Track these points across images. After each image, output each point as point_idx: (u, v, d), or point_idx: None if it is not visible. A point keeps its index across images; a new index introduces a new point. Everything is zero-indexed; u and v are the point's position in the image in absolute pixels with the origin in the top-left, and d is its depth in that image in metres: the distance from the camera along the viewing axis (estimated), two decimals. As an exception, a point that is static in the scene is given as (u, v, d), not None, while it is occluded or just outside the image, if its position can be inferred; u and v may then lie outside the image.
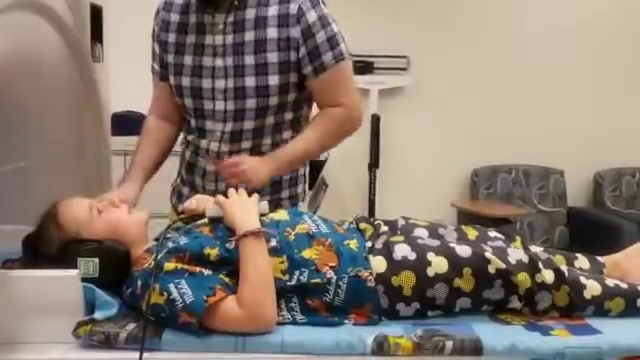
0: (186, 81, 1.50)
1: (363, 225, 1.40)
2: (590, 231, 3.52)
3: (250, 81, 1.46)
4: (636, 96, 3.81)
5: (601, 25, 3.74)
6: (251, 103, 1.48)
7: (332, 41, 1.49)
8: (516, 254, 1.28)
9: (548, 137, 3.77)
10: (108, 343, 1.15)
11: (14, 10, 1.12)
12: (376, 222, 1.42)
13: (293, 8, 1.45)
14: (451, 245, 1.29)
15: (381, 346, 1.15)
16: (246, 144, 1.52)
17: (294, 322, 1.22)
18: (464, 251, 1.26)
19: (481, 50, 3.71)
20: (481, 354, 1.15)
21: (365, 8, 3.58)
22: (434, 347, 1.15)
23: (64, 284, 1.17)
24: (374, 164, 3.59)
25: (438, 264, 1.24)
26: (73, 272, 1.18)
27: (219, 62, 1.47)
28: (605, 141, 3.79)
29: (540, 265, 1.26)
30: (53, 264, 1.22)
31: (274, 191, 1.57)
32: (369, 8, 3.59)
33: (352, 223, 1.42)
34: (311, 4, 1.47)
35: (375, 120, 3.59)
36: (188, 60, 1.50)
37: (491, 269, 1.24)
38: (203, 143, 1.55)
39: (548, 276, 1.25)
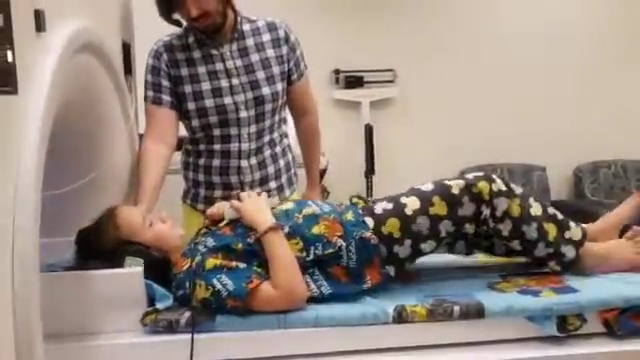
0: (209, 102, 1.78)
1: (355, 200, 1.62)
2: (574, 221, 3.72)
3: (265, 90, 1.81)
4: (608, 94, 4.06)
5: (577, 27, 3.99)
6: (268, 107, 1.83)
7: (302, 55, 1.93)
8: (472, 173, 1.52)
9: (529, 137, 3.99)
10: (170, 328, 1.34)
11: (79, 53, 1.34)
12: (367, 199, 1.64)
13: (281, 33, 1.86)
14: (416, 187, 1.53)
15: (400, 314, 1.35)
16: (266, 139, 1.86)
17: (321, 293, 1.41)
18: (428, 187, 1.51)
19: (460, 58, 3.94)
20: (483, 316, 1.36)
21: (354, 28, 3.83)
22: (444, 312, 1.36)
23: (131, 280, 1.36)
24: (370, 171, 3.78)
25: (412, 202, 1.48)
26: (138, 269, 1.37)
27: (235, 81, 1.79)
28: (582, 137, 4.03)
29: (494, 176, 1.50)
30: (102, 258, 1.39)
31: (263, 183, 1.88)
32: (358, 28, 3.84)
33: (347, 203, 1.62)
34: (289, 29, 1.89)
35: (368, 130, 3.80)
36: (206, 86, 1.78)
37: (455, 190, 1.47)
38: (233, 147, 1.81)
39: (502, 186, 1.48)
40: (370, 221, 1.49)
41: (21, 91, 1.06)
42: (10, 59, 1.04)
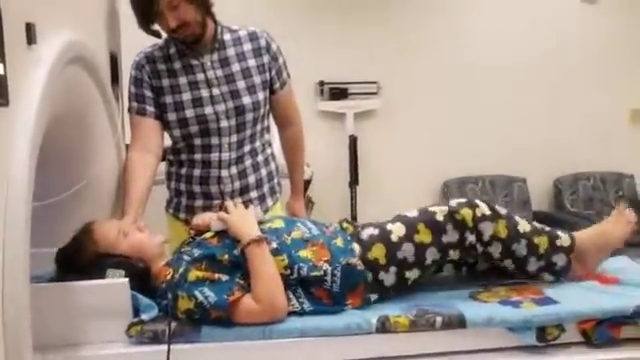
0: (190, 112, 1.79)
1: (345, 225, 1.62)
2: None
3: (246, 100, 1.81)
4: (588, 108, 4.13)
5: (560, 41, 4.05)
6: (249, 116, 1.83)
7: (285, 64, 1.93)
8: (456, 200, 1.54)
9: (510, 149, 4.06)
10: (157, 339, 1.34)
11: (69, 65, 1.35)
12: (356, 224, 1.64)
13: (262, 42, 1.86)
14: (402, 214, 1.55)
15: (384, 325, 1.37)
16: (247, 148, 1.86)
17: (302, 310, 1.42)
18: (413, 213, 1.53)
19: (443, 71, 4.00)
20: (465, 327, 1.38)
21: (339, 41, 3.88)
22: (427, 322, 1.38)
23: (116, 291, 1.36)
24: (354, 181, 3.81)
25: (397, 229, 1.50)
26: (124, 280, 1.37)
27: (216, 91, 1.79)
28: (562, 150, 4.11)
29: (477, 202, 1.52)
30: (83, 274, 1.39)
31: (243, 193, 1.87)
32: (342, 40, 3.89)
33: (337, 227, 1.62)
34: (270, 38, 1.89)
35: (352, 141, 3.83)
36: (186, 96, 1.79)
37: (439, 217, 1.49)
38: (214, 156, 1.82)
39: (486, 210, 1.50)
40: (357, 247, 1.50)
41: (12, 103, 1.07)
42: (1, 71, 1.05)
